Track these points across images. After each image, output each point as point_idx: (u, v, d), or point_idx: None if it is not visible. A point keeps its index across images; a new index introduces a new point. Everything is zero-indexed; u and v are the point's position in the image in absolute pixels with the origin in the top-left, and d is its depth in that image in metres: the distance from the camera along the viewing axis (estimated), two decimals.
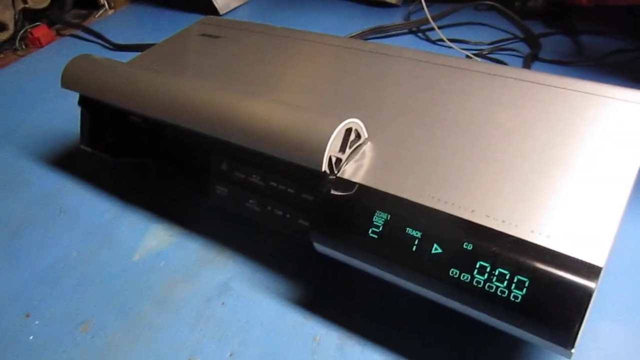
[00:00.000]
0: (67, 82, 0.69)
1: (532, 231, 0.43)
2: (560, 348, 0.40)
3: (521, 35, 1.04)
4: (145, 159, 0.71)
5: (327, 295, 0.56)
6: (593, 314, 0.49)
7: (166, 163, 0.68)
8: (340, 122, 0.49)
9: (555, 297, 0.39)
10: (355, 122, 0.52)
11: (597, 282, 0.39)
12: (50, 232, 0.67)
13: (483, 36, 1.04)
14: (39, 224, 0.69)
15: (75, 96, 0.70)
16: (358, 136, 0.53)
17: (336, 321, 0.53)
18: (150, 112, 0.61)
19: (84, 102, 0.71)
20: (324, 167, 0.49)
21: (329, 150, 0.48)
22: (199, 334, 0.54)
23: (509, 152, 0.50)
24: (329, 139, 0.48)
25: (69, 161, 0.80)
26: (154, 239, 0.65)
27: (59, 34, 1.26)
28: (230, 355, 0.51)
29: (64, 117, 0.91)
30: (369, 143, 0.54)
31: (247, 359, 0.51)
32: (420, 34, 1.09)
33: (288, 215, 0.56)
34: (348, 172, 0.51)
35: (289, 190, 0.56)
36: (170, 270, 0.61)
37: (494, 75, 0.61)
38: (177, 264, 0.61)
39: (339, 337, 0.52)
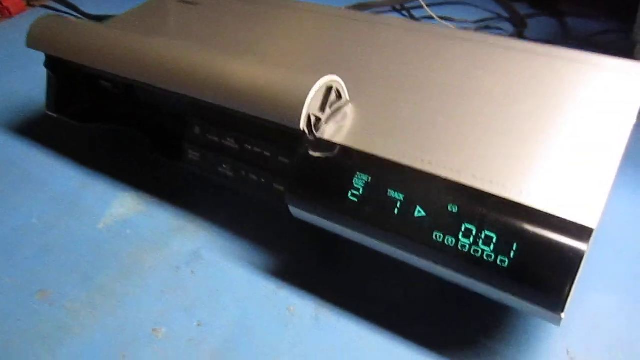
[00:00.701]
0: (33, 41, 0.65)
1: (521, 192, 0.40)
2: (549, 313, 0.37)
3: (506, 15, 1.02)
4: (115, 125, 0.67)
5: (303, 264, 0.53)
6: (582, 285, 0.47)
7: (136, 129, 0.64)
8: (321, 78, 0.46)
9: (545, 260, 0.37)
10: (337, 81, 0.49)
11: (588, 244, 0.36)
12: (12, 199, 0.63)
13: (468, 15, 1.02)
14: (1, 191, 0.65)
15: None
16: (339, 97, 0.50)
17: (312, 290, 0.50)
18: (120, 70, 0.57)
19: (50, 63, 0.67)
20: (302, 125, 0.46)
21: (307, 107, 0.45)
22: (165, 303, 0.50)
23: (497, 116, 0.48)
24: (307, 95, 0.45)
25: (35, 128, 0.76)
26: (122, 207, 0.61)
27: (29, 4, 1.20)
28: (198, 324, 0.48)
29: (32, 84, 0.86)
30: (350, 105, 0.51)
31: (217, 329, 0.48)
32: (404, 12, 1.07)
33: (263, 180, 0.53)
34: (328, 133, 0.48)
35: (264, 153, 0.53)
36: (138, 238, 0.57)
37: (480, 42, 0.58)
38: (145, 233, 0.58)
39: (314, 307, 0.49)
